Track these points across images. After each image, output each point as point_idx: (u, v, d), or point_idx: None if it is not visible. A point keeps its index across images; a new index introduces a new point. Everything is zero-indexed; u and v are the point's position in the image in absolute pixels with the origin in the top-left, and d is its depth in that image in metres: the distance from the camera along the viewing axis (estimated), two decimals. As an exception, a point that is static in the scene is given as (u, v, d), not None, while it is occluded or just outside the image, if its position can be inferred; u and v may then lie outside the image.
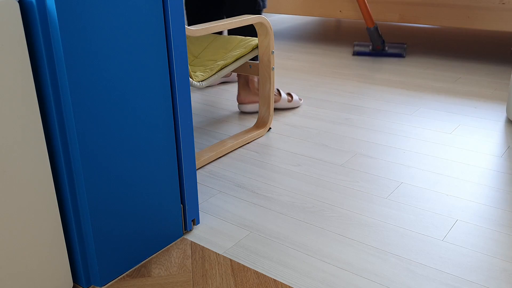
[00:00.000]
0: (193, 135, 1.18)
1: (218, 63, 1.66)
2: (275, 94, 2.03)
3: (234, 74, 2.36)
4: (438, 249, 1.15)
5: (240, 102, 2.01)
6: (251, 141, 1.76)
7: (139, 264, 1.13)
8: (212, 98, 2.24)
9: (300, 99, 2.13)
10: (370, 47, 2.95)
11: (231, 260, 1.13)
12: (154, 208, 1.12)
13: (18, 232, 0.91)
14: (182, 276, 1.09)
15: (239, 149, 1.71)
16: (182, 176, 1.17)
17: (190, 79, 1.50)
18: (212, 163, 1.61)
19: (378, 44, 2.90)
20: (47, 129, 0.94)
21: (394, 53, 2.89)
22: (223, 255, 1.15)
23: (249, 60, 1.79)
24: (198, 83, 1.54)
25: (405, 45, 2.94)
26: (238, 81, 1.99)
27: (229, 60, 1.65)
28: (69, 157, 0.95)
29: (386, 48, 2.91)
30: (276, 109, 2.07)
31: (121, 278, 1.08)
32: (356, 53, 2.95)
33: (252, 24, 1.91)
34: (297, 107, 2.11)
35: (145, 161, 1.07)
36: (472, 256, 1.13)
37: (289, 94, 2.09)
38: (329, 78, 2.51)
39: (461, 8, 2.67)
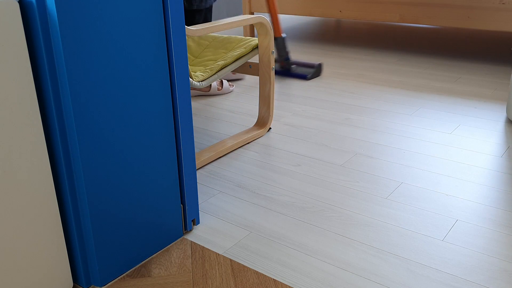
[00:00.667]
0: (193, 135, 1.18)
1: (218, 63, 1.66)
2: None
3: (215, 88, 2.34)
4: (438, 249, 1.15)
5: None
6: (251, 141, 1.76)
7: (139, 264, 1.13)
8: (212, 98, 2.24)
9: (231, 85, 2.33)
10: (277, 65, 2.56)
11: (231, 260, 1.13)
12: (154, 208, 1.12)
13: (18, 232, 0.91)
14: (182, 276, 1.09)
15: (239, 149, 1.71)
16: (182, 176, 1.17)
17: (190, 79, 1.50)
18: (212, 163, 1.61)
19: (282, 60, 2.51)
20: (47, 129, 0.94)
21: (298, 74, 2.51)
22: (223, 255, 1.15)
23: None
24: (198, 83, 1.54)
25: (316, 67, 2.51)
26: None
27: (229, 60, 1.65)
28: (69, 158, 0.95)
29: (293, 67, 2.52)
30: (221, 97, 2.25)
31: (121, 278, 1.08)
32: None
33: None
34: (228, 92, 2.31)
35: (145, 161, 1.07)
36: (472, 256, 1.13)
37: (220, 83, 2.28)
38: (329, 78, 2.51)
39: (461, 8, 2.67)
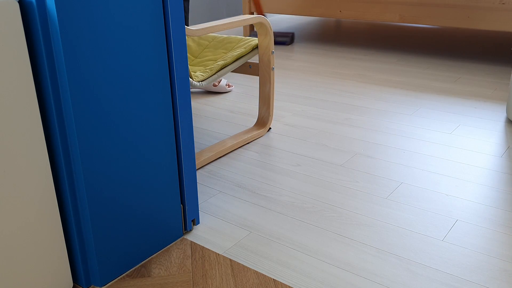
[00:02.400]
0: (193, 135, 1.18)
1: (218, 63, 1.66)
2: None
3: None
4: (438, 249, 1.15)
5: None
6: (251, 141, 1.76)
7: (139, 264, 1.13)
8: (212, 98, 2.24)
9: (228, 86, 2.32)
10: None
11: (231, 260, 1.13)
12: (154, 208, 1.12)
13: (18, 232, 0.91)
14: (182, 276, 1.09)
15: (239, 149, 1.71)
16: (182, 176, 1.17)
17: (190, 79, 1.50)
18: (212, 163, 1.61)
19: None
20: (47, 129, 0.94)
21: (279, 42, 3.25)
22: (223, 255, 1.15)
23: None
24: (198, 83, 1.54)
25: (293, 34, 3.29)
26: None
27: (229, 60, 1.65)
28: (69, 157, 0.95)
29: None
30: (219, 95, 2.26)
31: (121, 278, 1.08)
32: None
33: None
34: (225, 92, 2.30)
35: (145, 161, 1.07)
36: (472, 256, 1.13)
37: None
38: (329, 78, 2.51)
39: (461, 8, 2.67)
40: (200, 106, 2.14)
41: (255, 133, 1.78)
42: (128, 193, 1.05)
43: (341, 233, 1.22)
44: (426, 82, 2.39)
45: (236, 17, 1.65)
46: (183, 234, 1.23)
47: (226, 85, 2.31)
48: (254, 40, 1.76)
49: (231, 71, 2.06)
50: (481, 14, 2.62)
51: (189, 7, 2.34)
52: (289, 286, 1.04)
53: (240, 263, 1.12)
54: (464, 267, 1.09)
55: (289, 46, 3.21)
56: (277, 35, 3.29)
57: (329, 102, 2.14)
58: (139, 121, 1.03)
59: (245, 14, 3.46)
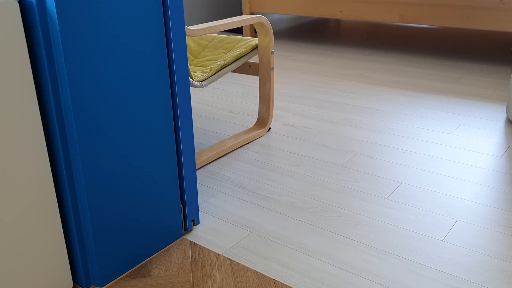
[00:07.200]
0: (193, 135, 1.18)
1: (218, 63, 1.66)
2: None
3: None
4: (438, 249, 1.15)
5: None
6: (251, 141, 1.76)
7: (139, 264, 1.13)
8: (212, 98, 2.24)
9: None
10: None
11: (231, 260, 1.13)
12: (154, 208, 1.12)
13: (18, 232, 0.91)
14: (182, 276, 1.09)
15: (239, 149, 1.71)
16: (182, 176, 1.17)
17: (190, 79, 1.50)
18: (212, 163, 1.61)
19: None
20: (47, 129, 0.94)
21: None
22: (223, 255, 1.15)
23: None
24: (198, 83, 1.54)
25: None
26: None
27: (229, 60, 1.65)
28: (69, 157, 0.95)
29: None
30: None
31: (121, 278, 1.08)
32: None
33: None
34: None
35: (145, 161, 1.07)
36: (472, 256, 1.13)
37: None
38: (329, 78, 2.51)
39: (461, 8, 2.67)
40: (200, 106, 2.14)
41: (255, 133, 1.78)
42: (128, 193, 1.05)
43: (341, 233, 1.22)
44: (426, 82, 2.39)
45: (236, 17, 1.65)
46: (183, 234, 1.23)
47: None
48: (254, 40, 1.76)
49: (231, 71, 2.06)
50: (481, 14, 2.61)
51: None
52: (289, 286, 1.04)
53: (240, 263, 1.12)
54: (464, 267, 1.09)
55: (289, 46, 3.21)
56: None
57: (329, 102, 2.14)
58: (139, 121, 1.03)
59: (245, 14, 3.46)
